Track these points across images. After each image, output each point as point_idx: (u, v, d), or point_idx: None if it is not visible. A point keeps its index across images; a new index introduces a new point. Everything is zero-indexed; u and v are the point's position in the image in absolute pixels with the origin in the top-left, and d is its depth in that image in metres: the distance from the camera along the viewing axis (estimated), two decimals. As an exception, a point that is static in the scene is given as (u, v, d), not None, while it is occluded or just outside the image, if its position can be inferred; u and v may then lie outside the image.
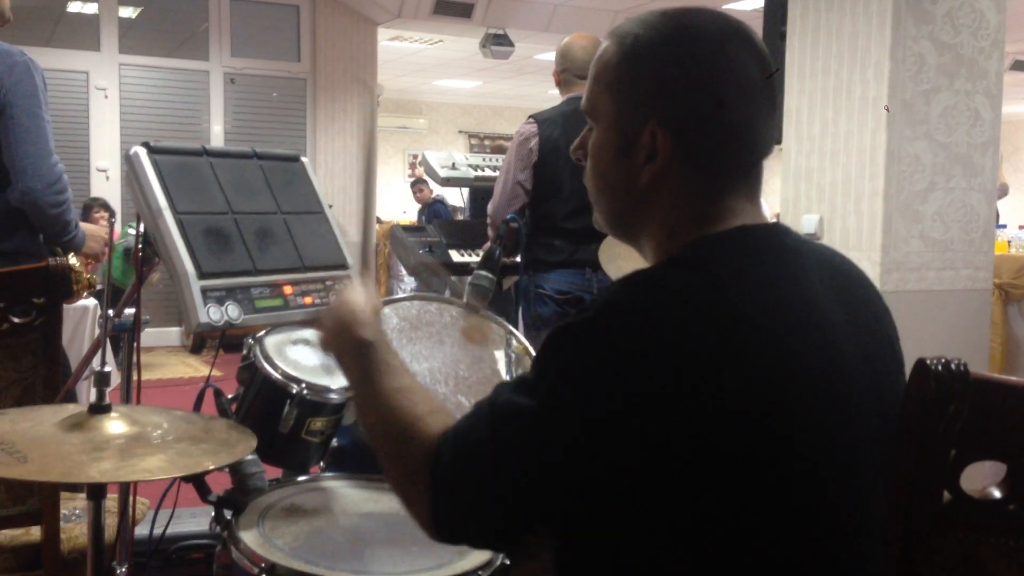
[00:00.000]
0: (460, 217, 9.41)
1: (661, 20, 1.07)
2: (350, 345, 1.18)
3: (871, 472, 0.99)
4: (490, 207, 3.67)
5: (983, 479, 0.98)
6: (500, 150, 11.81)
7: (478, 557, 1.48)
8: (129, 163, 1.82)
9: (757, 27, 4.22)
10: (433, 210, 10.20)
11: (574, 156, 1.18)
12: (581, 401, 0.94)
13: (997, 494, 0.94)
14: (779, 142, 3.83)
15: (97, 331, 2.01)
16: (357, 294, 1.25)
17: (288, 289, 1.90)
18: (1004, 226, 7.75)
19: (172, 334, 8.35)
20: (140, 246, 1.82)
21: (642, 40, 1.06)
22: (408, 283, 8.18)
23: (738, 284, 0.98)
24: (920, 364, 0.90)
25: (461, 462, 1.00)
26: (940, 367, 0.90)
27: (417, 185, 10.61)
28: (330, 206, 2.18)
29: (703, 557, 0.95)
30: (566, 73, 3.70)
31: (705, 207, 1.06)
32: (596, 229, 1.22)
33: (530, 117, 3.64)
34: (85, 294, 3.34)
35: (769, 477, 0.94)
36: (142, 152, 1.82)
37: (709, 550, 0.95)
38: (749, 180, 1.08)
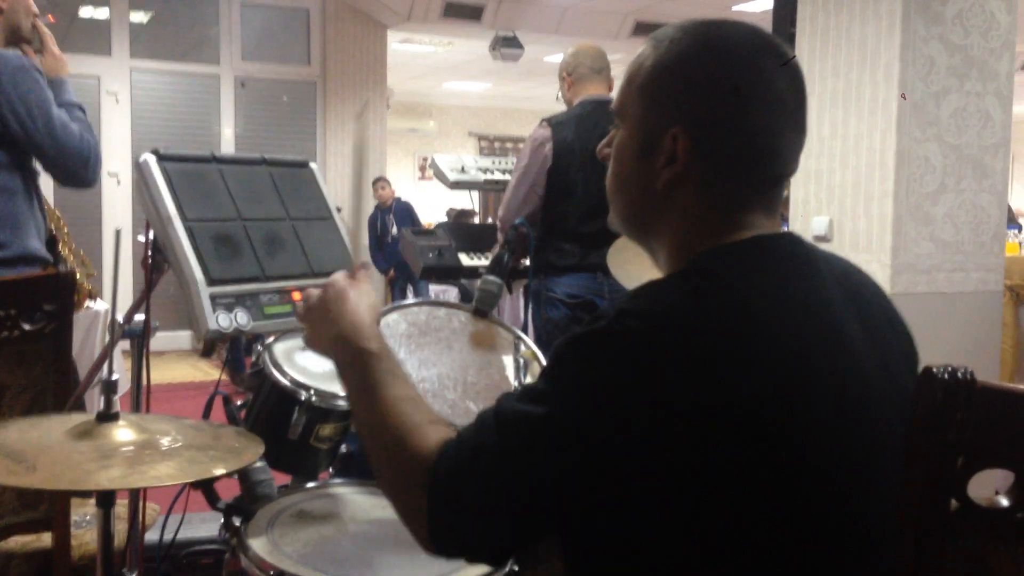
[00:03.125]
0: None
1: (698, 28, 1.08)
2: (351, 354, 1.16)
3: (888, 480, 0.98)
4: (501, 210, 3.67)
5: (992, 487, 0.98)
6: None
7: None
8: (139, 171, 1.83)
9: (766, 29, 4.21)
10: (400, 210, 9.19)
11: (600, 155, 1.17)
12: (594, 409, 0.93)
13: (1005, 502, 0.94)
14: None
15: (107, 338, 2.02)
16: (353, 293, 1.22)
17: (297, 295, 1.90)
18: (1017, 227, 7.71)
19: (183, 338, 8.38)
20: (150, 253, 1.83)
21: (676, 46, 1.07)
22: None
23: (753, 293, 0.98)
24: (927, 372, 0.90)
25: (462, 471, 0.98)
26: (947, 375, 0.89)
27: (379, 183, 9.22)
28: (338, 209, 2.18)
29: (715, 565, 0.94)
30: (581, 68, 3.66)
31: (721, 217, 1.06)
32: (607, 233, 1.22)
33: (543, 121, 3.63)
34: (86, 305, 3.35)
35: (784, 486, 0.93)
36: (151, 160, 1.83)
37: (721, 558, 0.94)
38: (767, 196, 1.08)
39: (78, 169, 2.49)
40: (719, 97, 1.04)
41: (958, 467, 0.92)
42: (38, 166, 2.53)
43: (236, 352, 5.63)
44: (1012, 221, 8.25)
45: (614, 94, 1.16)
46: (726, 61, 1.05)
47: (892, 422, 1.00)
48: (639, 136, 1.08)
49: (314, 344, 1.25)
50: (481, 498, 0.98)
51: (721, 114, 1.04)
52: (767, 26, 4.19)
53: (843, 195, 3.64)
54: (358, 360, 1.15)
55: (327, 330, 1.20)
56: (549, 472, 0.95)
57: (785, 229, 1.13)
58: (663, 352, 0.92)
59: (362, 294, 1.24)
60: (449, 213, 10.95)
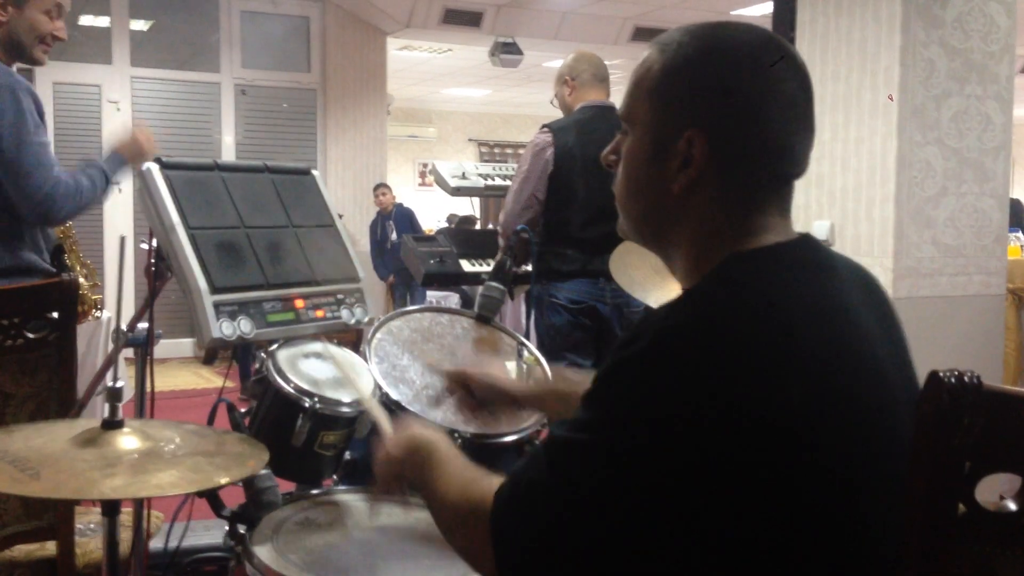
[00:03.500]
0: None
1: (705, 31, 1.08)
2: (409, 467, 1.25)
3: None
4: (502, 216, 3.66)
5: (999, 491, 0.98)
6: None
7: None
8: (142, 179, 1.83)
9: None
10: (400, 216, 9.18)
11: (605, 162, 1.16)
12: (639, 432, 0.94)
13: (1012, 507, 0.94)
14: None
15: (111, 346, 2.02)
16: (391, 441, 1.31)
17: (300, 303, 1.90)
18: (1016, 229, 7.70)
19: (185, 345, 8.38)
20: (153, 261, 1.83)
21: (685, 49, 1.06)
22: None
23: (786, 302, 0.98)
24: (933, 376, 0.90)
25: (519, 506, 1.01)
26: (953, 379, 0.89)
27: (380, 189, 9.24)
28: (340, 216, 2.18)
29: (747, 571, 0.95)
30: (584, 74, 3.66)
31: (738, 220, 1.05)
32: (609, 239, 1.22)
33: (544, 126, 3.63)
34: (92, 315, 3.33)
35: (819, 496, 0.94)
36: (155, 168, 1.83)
37: (752, 565, 0.95)
38: (781, 196, 1.08)
39: (32, 194, 2.37)
40: (732, 99, 1.03)
41: (965, 471, 0.91)
42: None
43: (244, 360, 5.63)
44: (1019, 218, 8.23)
45: (617, 100, 1.16)
46: (736, 62, 1.04)
47: (910, 425, 1.01)
48: (651, 141, 1.07)
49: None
50: (539, 530, 0.99)
51: (736, 116, 1.03)
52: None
53: (844, 199, 3.64)
54: (418, 467, 1.23)
55: (402, 477, 1.31)
56: (600, 497, 0.95)
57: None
58: (703, 370, 0.92)
59: (396, 437, 1.32)
60: (451, 219, 10.95)
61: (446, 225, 10.65)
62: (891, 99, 3.41)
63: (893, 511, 0.97)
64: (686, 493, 0.93)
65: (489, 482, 1.08)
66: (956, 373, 0.89)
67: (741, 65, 1.04)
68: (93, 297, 2.96)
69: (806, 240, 1.09)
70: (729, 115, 1.03)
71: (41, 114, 2.47)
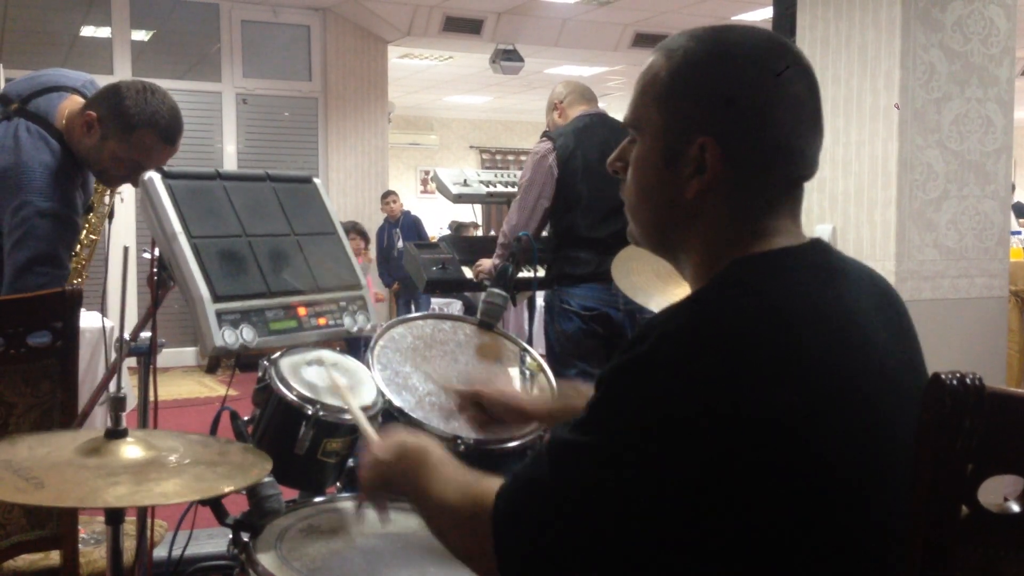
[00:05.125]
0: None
1: (710, 35, 1.08)
2: (399, 472, 1.23)
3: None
4: (505, 225, 3.68)
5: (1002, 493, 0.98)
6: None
7: (495, 576, 1.48)
8: (144, 188, 1.83)
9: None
10: (407, 224, 9.26)
11: (611, 168, 1.16)
12: (640, 433, 0.94)
13: (1016, 508, 0.94)
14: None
15: (113, 355, 2.02)
16: (378, 446, 1.29)
17: (302, 311, 1.91)
18: (1020, 232, 7.69)
19: (187, 354, 8.39)
20: (155, 270, 1.83)
21: (692, 54, 1.06)
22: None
23: (790, 306, 0.98)
24: (935, 379, 0.90)
25: (520, 504, 1.01)
26: (955, 381, 0.89)
27: (389, 197, 9.27)
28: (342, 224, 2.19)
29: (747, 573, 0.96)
30: (571, 95, 3.78)
31: (750, 225, 1.06)
32: (619, 238, 1.22)
33: (544, 135, 3.67)
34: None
35: (821, 499, 0.95)
36: (156, 177, 1.84)
37: (753, 566, 0.95)
38: (792, 199, 1.09)
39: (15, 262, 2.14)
40: (741, 102, 1.03)
41: (968, 474, 0.91)
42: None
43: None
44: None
45: (617, 109, 1.18)
46: (743, 67, 1.04)
47: None
48: (661, 147, 1.07)
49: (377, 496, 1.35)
50: (541, 529, 0.99)
51: (746, 120, 1.03)
52: (767, 35, 4.20)
53: (846, 203, 3.64)
54: (409, 471, 1.21)
55: (387, 489, 1.29)
56: (601, 498, 0.96)
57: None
58: (705, 373, 0.93)
59: (383, 443, 1.30)
60: (451, 226, 10.99)
61: (448, 232, 10.68)
62: (897, 108, 3.41)
63: (898, 515, 0.97)
64: (686, 495, 0.93)
65: (489, 483, 1.07)
66: (958, 375, 0.89)
67: (748, 69, 1.04)
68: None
69: (816, 244, 1.09)
70: (740, 120, 1.03)
71: (87, 192, 2.34)
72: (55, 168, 2.19)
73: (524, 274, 3.45)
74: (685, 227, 1.08)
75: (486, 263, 3.75)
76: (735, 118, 1.03)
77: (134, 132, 2.19)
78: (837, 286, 1.04)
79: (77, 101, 2.29)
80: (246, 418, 1.79)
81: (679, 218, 1.08)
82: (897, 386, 1.02)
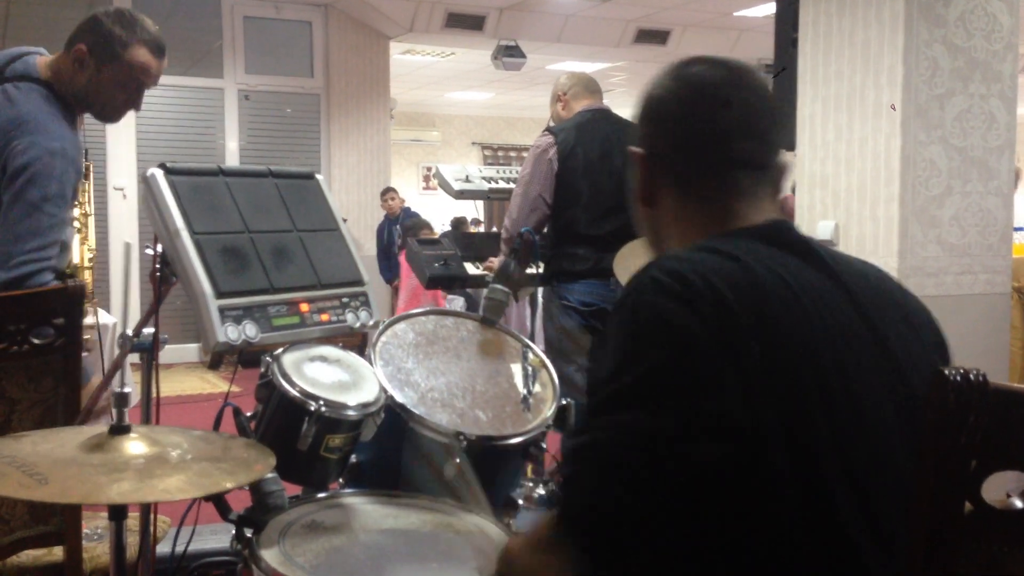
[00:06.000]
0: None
1: (668, 67, 1.25)
2: None
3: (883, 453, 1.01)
4: (507, 221, 3.67)
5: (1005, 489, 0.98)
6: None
7: (498, 572, 1.48)
8: (146, 185, 1.83)
9: (769, 34, 4.22)
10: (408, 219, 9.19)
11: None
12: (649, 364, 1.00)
13: (1019, 504, 0.94)
14: (792, 148, 3.82)
15: (116, 351, 2.02)
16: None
17: (305, 307, 1.91)
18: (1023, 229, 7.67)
19: (190, 350, 8.39)
20: (158, 266, 1.83)
21: (641, 92, 1.26)
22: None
23: (750, 259, 1.06)
24: (939, 375, 0.90)
25: (578, 478, 1.04)
26: (959, 378, 0.89)
27: (388, 193, 9.27)
28: (344, 220, 2.19)
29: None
30: (575, 87, 3.76)
31: (707, 210, 1.18)
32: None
33: (545, 130, 3.66)
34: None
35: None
36: (159, 174, 1.84)
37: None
38: (742, 186, 1.17)
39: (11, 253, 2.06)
40: (666, 106, 1.21)
41: (971, 470, 0.91)
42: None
43: None
44: None
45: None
46: (675, 81, 1.22)
47: (888, 403, 1.03)
48: (634, 172, 1.25)
49: None
50: (601, 482, 1.01)
51: (667, 117, 1.21)
52: (770, 31, 4.20)
53: (849, 199, 3.64)
54: None
55: None
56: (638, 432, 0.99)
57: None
58: (694, 293, 1.00)
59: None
60: (453, 223, 11.00)
61: (450, 229, 10.68)
62: (893, 108, 3.41)
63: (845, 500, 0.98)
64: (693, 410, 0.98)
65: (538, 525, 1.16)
66: (962, 371, 0.89)
67: (668, 81, 1.22)
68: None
69: (777, 223, 1.16)
70: (655, 127, 1.22)
71: (79, 174, 2.27)
72: (54, 113, 2.20)
73: (532, 270, 3.47)
74: (659, 231, 1.24)
75: (495, 261, 3.78)
76: (653, 127, 1.22)
77: (127, 50, 2.24)
78: (777, 257, 1.09)
79: (48, 56, 2.31)
80: (248, 414, 1.80)
81: (651, 225, 1.25)
82: (840, 354, 1.04)
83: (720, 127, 1.17)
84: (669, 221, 1.22)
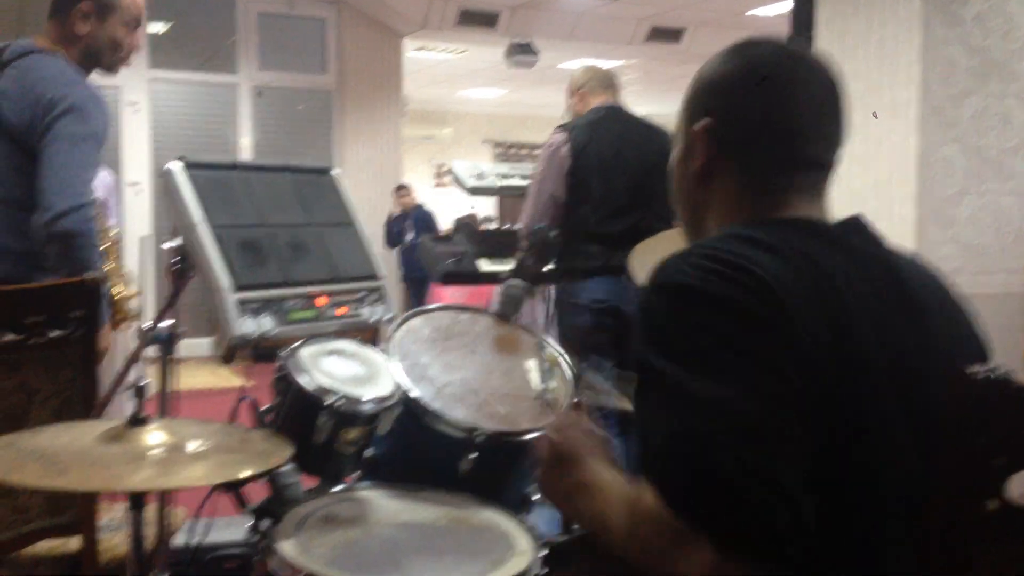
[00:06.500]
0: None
1: (730, 47, 1.21)
2: (572, 491, 1.14)
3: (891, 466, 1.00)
4: (523, 219, 3.67)
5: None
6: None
7: (515, 566, 1.48)
8: (165, 178, 1.84)
9: (782, 33, 4.21)
10: (420, 217, 9.34)
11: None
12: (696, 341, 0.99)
13: (1044, 502, 0.93)
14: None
15: (130, 345, 2.03)
16: (573, 430, 1.21)
17: (321, 300, 1.91)
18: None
19: (202, 345, 8.42)
20: (177, 259, 1.84)
21: (703, 67, 1.22)
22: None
23: (783, 248, 1.04)
24: (961, 372, 0.90)
25: (665, 452, 0.96)
26: (982, 375, 0.89)
27: (402, 190, 9.34)
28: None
29: None
30: (591, 82, 3.74)
31: (757, 202, 1.15)
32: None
33: (558, 127, 3.65)
34: (127, 325, 3.27)
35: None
36: (178, 167, 1.84)
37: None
38: (804, 180, 1.16)
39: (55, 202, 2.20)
40: (738, 88, 1.16)
41: (996, 467, 0.91)
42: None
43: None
44: None
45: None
46: (747, 62, 1.18)
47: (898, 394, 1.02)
48: (681, 146, 1.22)
49: (549, 494, 1.22)
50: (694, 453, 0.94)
51: (740, 101, 1.16)
52: (785, 30, 4.18)
53: (865, 198, 3.62)
54: (578, 495, 1.13)
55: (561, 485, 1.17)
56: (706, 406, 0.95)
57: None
58: (736, 272, 0.99)
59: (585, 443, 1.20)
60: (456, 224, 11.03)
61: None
62: (875, 116, 3.41)
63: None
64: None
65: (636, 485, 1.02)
66: (985, 368, 0.89)
67: (751, 64, 1.17)
68: (126, 309, 2.94)
69: (845, 221, 1.16)
70: (733, 101, 1.16)
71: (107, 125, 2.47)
72: (75, 69, 2.39)
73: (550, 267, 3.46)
74: (702, 213, 1.20)
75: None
76: (730, 101, 1.17)
77: None
78: (821, 252, 1.07)
79: (42, 33, 2.45)
80: (263, 408, 1.80)
81: (695, 205, 1.21)
82: (877, 354, 1.02)
83: (794, 127, 1.15)
84: (721, 200, 1.18)
